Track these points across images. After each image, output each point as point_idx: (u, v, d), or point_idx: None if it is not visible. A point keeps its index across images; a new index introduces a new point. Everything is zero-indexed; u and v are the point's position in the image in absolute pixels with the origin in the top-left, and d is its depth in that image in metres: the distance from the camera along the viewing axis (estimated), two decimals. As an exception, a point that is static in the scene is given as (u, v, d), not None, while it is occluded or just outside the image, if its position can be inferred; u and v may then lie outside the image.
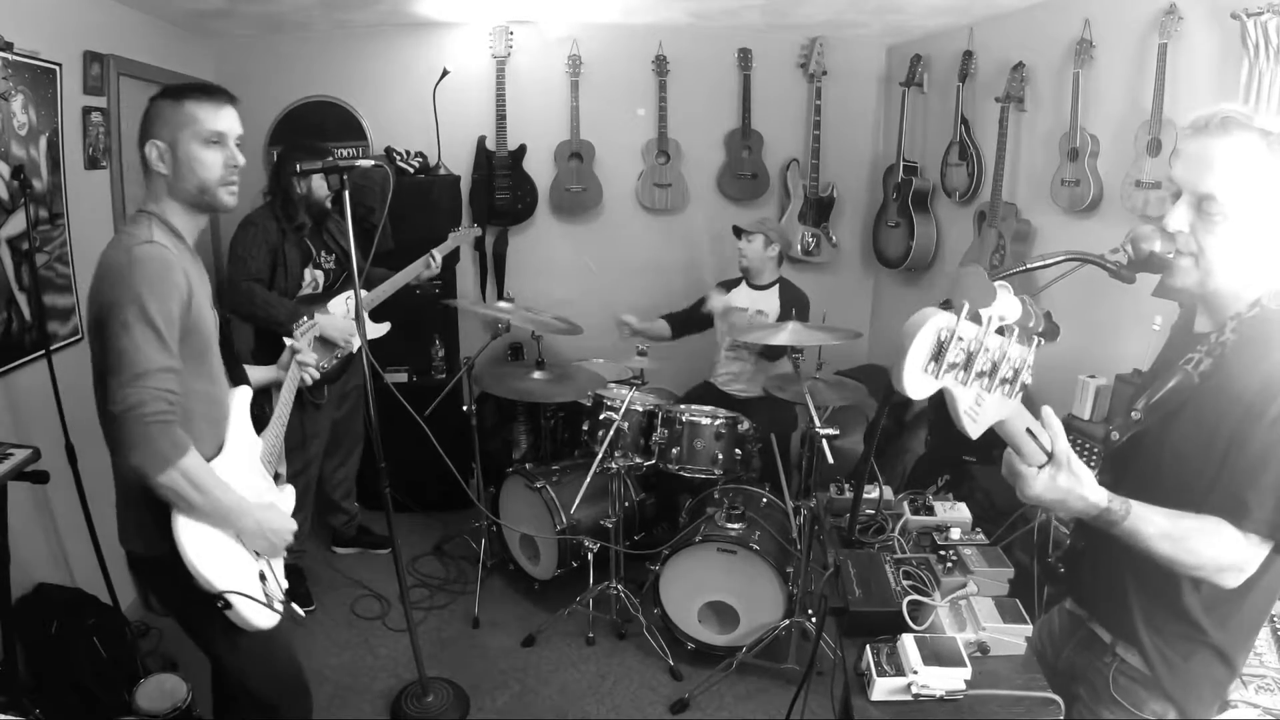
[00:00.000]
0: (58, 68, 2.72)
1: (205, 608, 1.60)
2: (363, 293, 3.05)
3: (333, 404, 3.23)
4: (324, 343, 3.03)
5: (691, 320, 3.80)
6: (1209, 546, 1.17)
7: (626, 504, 3.15)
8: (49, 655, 2.40)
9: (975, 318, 0.97)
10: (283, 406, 1.97)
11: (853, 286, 4.76)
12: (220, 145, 1.62)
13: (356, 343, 3.08)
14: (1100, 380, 2.81)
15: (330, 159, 2.66)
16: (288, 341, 2.08)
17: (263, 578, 1.72)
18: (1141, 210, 2.75)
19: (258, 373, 2.02)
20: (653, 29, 4.14)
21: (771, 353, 3.50)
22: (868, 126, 4.55)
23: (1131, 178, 2.78)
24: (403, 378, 3.85)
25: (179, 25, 3.69)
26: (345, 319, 3.02)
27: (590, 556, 3.10)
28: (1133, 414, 1.32)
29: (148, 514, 1.58)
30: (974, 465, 3.20)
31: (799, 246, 4.38)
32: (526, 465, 3.35)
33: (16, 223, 2.51)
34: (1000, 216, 3.42)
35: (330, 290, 3.11)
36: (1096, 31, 2.97)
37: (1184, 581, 1.27)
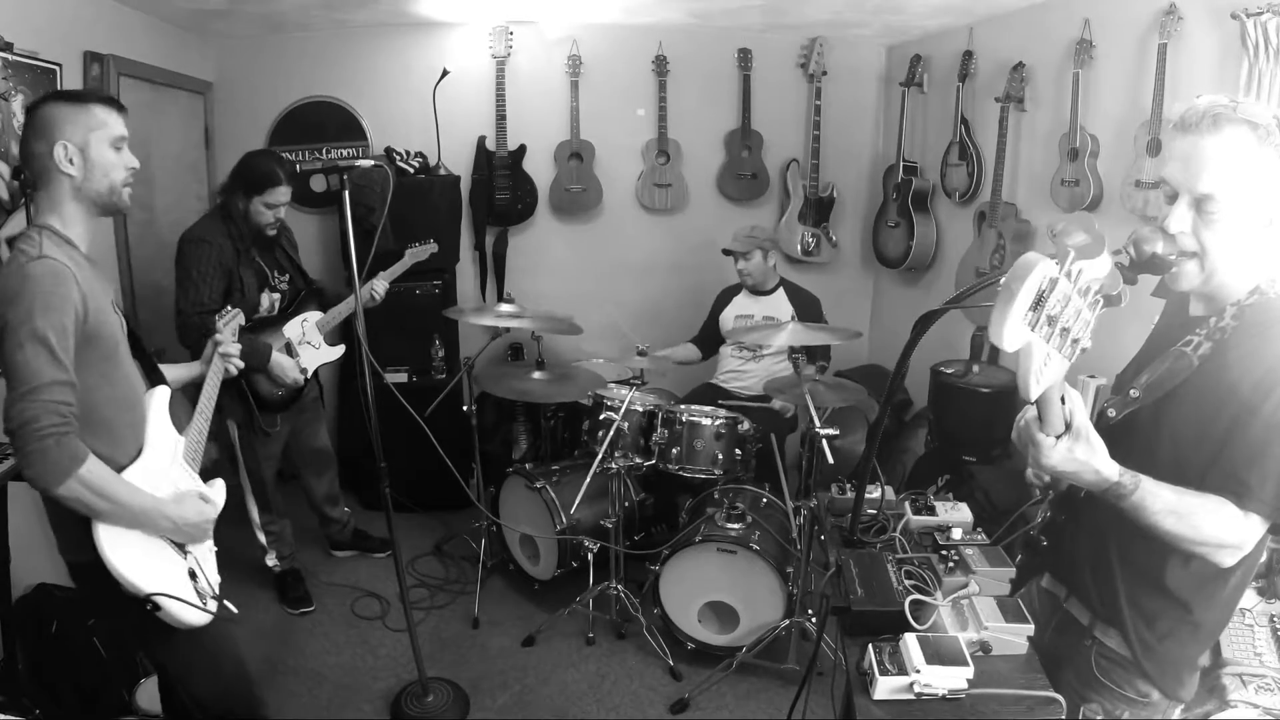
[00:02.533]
0: (58, 68, 2.72)
1: (139, 612, 1.61)
2: (317, 314, 3.04)
3: (285, 429, 3.13)
4: (278, 381, 2.91)
5: (713, 336, 3.85)
6: (1212, 524, 1.19)
7: (626, 504, 3.14)
8: (49, 655, 2.40)
9: (1075, 270, 0.93)
10: (206, 400, 1.96)
11: (853, 286, 4.76)
12: (123, 150, 1.67)
13: (305, 359, 2.99)
14: (1100, 380, 2.80)
15: (319, 158, 2.59)
16: (215, 336, 2.05)
17: (193, 575, 1.73)
18: (1141, 210, 2.76)
19: (176, 370, 2.02)
20: (653, 29, 4.15)
21: (821, 354, 3.55)
22: (868, 126, 4.56)
23: (1131, 178, 2.79)
24: (403, 378, 3.85)
25: (179, 25, 3.69)
26: (294, 370, 2.90)
27: (590, 556, 3.10)
28: (1131, 392, 1.33)
29: (71, 522, 1.59)
30: (974, 465, 3.21)
31: (799, 246, 4.38)
32: (526, 465, 3.35)
33: (17, 223, 2.51)
34: (1000, 216, 3.43)
35: (285, 313, 2.99)
36: (1096, 31, 2.98)
37: (1172, 557, 1.29)
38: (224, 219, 2.83)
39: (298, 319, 3.00)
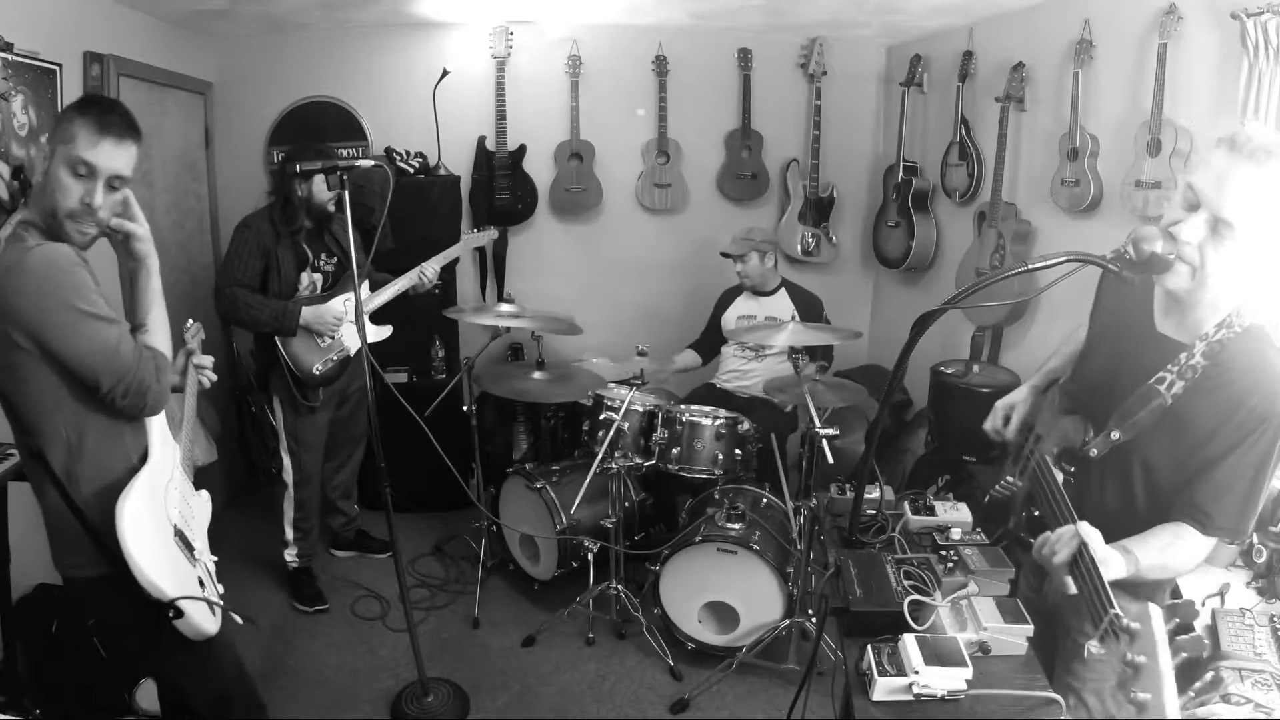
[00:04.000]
0: (58, 68, 2.72)
1: (149, 624, 1.56)
2: (364, 293, 3.08)
3: (329, 407, 3.20)
4: (315, 341, 3.02)
5: (714, 339, 3.85)
6: (1185, 555, 1.34)
7: (626, 504, 3.14)
8: (49, 655, 2.40)
9: None
10: (188, 410, 1.92)
11: (853, 287, 4.76)
12: (85, 178, 1.48)
13: (348, 339, 3.09)
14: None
15: (331, 159, 2.64)
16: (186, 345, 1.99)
17: (200, 583, 1.70)
18: (1141, 210, 2.75)
19: None
20: (653, 29, 4.14)
21: (824, 354, 3.55)
22: (868, 126, 4.55)
23: (1131, 178, 2.79)
24: (403, 378, 3.85)
25: (179, 25, 3.69)
26: (332, 311, 2.99)
27: (590, 557, 3.10)
28: (1112, 435, 1.40)
29: (73, 535, 1.57)
30: (974, 465, 3.21)
31: (799, 247, 4.38)
32: (526, 465, 3.35)
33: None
34: (1000, 216, 3.42)
35: (330, 293, 3.08)
36: (1096, 31, 2.97)
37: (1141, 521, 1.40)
38: (271, 208, 2.97)
39: (340, 297, 3.04)
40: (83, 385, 1.52)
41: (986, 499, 1.71)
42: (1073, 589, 1.22)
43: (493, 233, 3.41)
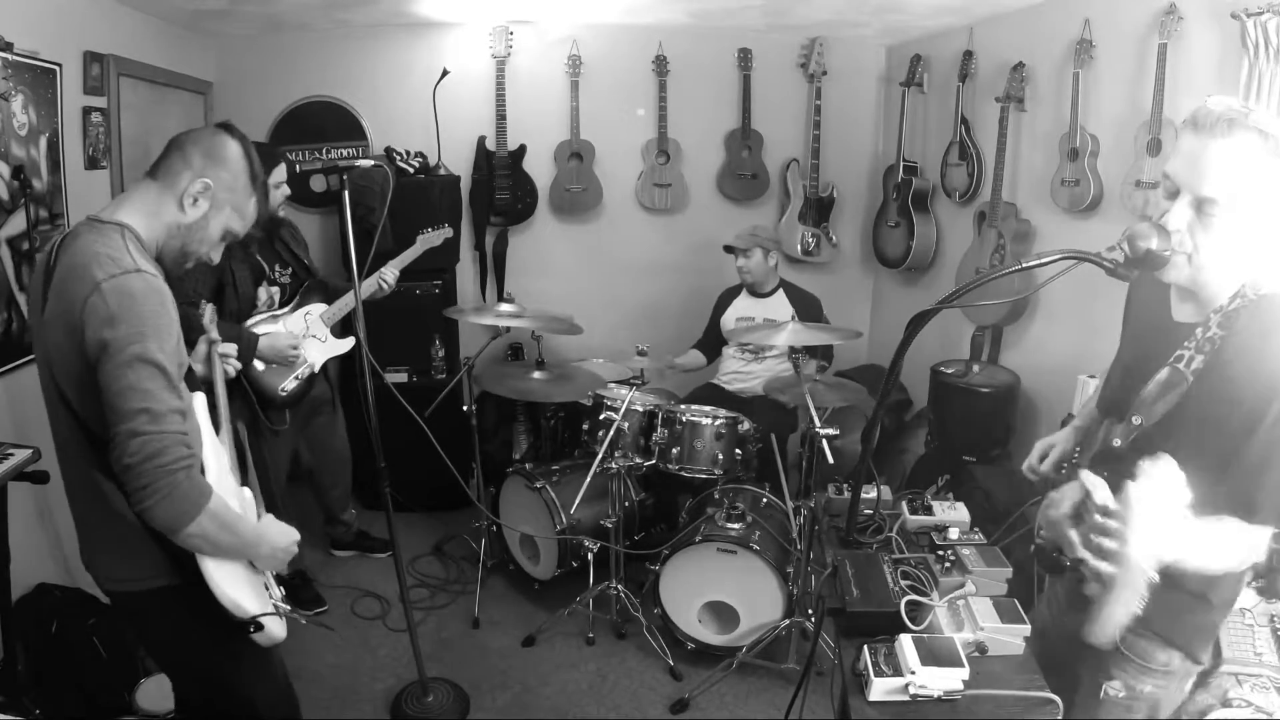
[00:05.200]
0: (58, 68, 2.73)
1: (212, 638, 1.53)
2: (321, 307, 2.99)
3: (295, 428, 3.06)
4: (277, 363, 2.86)
5: (715, 339, 3.85)
6: (1230, 545, 1.25)
7: (626, 504, 3.14)
8: (49, 655, 2.40)
9: None
10: (222, 402, 1.74)
11: (853, 286, 4.75)
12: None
13: (312, 353, 2.96)
14: (1100, 380, 2.80)
15: (319, 158, 2.57)
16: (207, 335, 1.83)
17: (266, 588, 1.67)
18: (1142, 210, 2.75)
19: None
20: (653, 29, 4.14)
21: (824, 354, 3.55)
22: (868, 126, 4.55)
23: (1131, 178, 2.78)
24: (403, 378, 3.85)
25: (179, 25, 3.69)
26: (287, 338, 2.83)
27: (590, 556, 3.09)
28: (1133, 420, 1.34)
29: (156, 547, 1.45)
30: (974, 465, 3.21)
31: (799, 246, 4.38)
32: (526, 465, 3.35)
33: (16, 223, 2.52)
34: (1000, 216, 3.42)
35: (288, 308, 2.93)
36: (1096, 31, 2.97)
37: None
38: None
39: (300, 312, 2.94)
40: None
41: (1033, 549, 1.64)
42: (1078, 547, 1.18)
43: (447, 231, 3.26)
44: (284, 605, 1.66)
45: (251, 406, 2.86)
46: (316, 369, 3.00)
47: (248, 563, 1.57)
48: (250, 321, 2.82)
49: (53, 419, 1.49)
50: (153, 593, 1.52)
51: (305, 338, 2.93)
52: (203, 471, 1.45)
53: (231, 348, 1.84)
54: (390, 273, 3.06)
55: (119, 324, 1.32)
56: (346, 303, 2.97)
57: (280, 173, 2.81)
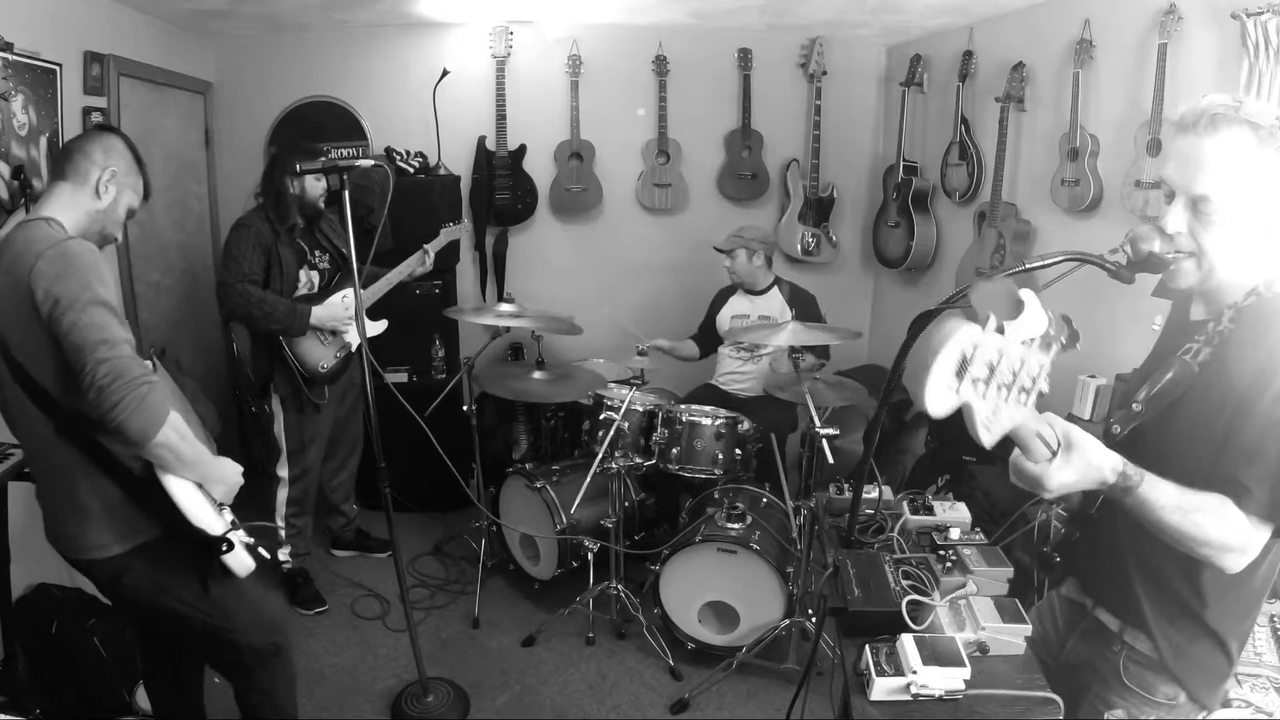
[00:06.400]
0: (58, 68, 2.73)
1: (183, 577, 1.74)
2: (361, 292, 3.08)
3: (333, 405, 3.22)
4: (319, 338, 3.04)
5: (711, 336, 3.84)
6: (1216, 525, 1.16)
7: (626, 504, 3.15)
8: (49, 655, 2.40)
9: (999, 329, 0.95)
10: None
11: (853, 286, 4.76)
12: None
13: (350, 334, 3.11)
14: (1100, 380, 2.81)
15: (326, 158, 2.65)
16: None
17: (234, 525, 1.80)
18: (1142, 210, 2.75)
19: None
20: (653, 29, 4.15)
21: (821, 353, 3.54)
22: (868, 126, 4.55)
23: (1131, 178, 2.79)
24: (403, 378, 3.85)
25: (179, 25, 3.69)
26: (339, 307, 3.01)
27: (590, 556, 3.09)
28: (1134, 406, 1.33)
29: (124, 507, 1.68)
30: (974, 465, 3.21)
31: (799, 246, 4.38)
32: (526, 465, 3.34)
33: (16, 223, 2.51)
34: (1000, 216, 3.42)
35: (326, 290, 3.08)
36: (1096, 31, 2.97)
37: (1185, 565, 1.28)
38: (263, 208, 2.97)
39: (337, 295, 3.04)
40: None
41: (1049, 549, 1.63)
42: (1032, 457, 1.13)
43: (467, 225, 3.45)
44: (241, 531, 1.82)
45: (294, 383, 3.03)
46: (353, 348, 3.13)
47: (205, 494, 1.75)
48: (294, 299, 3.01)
49: (12, 400, 1.65)
50: (119, 557, 1.71)
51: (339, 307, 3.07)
52: None
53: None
54: (432, 249, 3.23)
55: (68, 279, 1.52)
56: (380, 287, 3.12)
57: (311, 181, 2.98)
